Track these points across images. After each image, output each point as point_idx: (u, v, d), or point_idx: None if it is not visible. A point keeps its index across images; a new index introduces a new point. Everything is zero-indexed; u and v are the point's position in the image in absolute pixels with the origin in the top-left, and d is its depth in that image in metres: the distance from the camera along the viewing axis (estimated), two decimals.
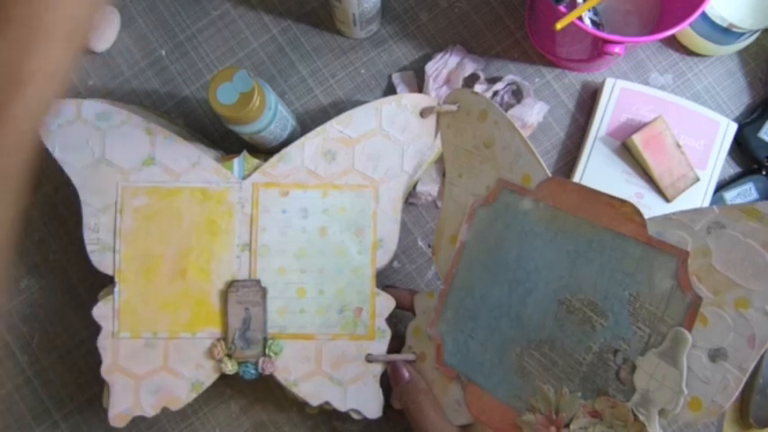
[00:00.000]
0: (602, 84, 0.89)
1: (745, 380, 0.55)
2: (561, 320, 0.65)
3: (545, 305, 0.66)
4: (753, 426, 0.86)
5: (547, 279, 0.66)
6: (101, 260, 0.79)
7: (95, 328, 0.79)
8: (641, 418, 0.59)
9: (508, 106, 0.90)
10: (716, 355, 0.56)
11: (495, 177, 0.72)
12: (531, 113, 0.88)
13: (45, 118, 0.59)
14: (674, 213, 0.59)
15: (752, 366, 0.55)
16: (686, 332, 0.57)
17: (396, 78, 0.92)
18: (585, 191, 0.65)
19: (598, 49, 0.76)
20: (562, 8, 0.77)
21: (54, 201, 0.90)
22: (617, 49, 0.74)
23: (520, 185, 0.70)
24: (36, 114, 0.57)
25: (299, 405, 0.87)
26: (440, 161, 0.88)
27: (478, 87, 0.89)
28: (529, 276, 0.68)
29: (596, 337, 0.62)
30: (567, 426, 0.63)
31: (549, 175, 0.68)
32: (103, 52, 0.92)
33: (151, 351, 0.78)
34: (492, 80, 0.90)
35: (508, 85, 0.90)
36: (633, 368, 0.60)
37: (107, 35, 0.91)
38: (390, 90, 0.93)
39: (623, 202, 0.62)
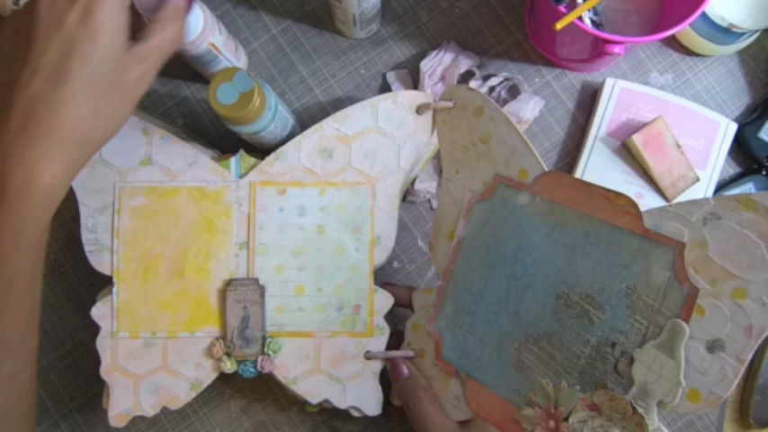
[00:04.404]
0: (602, 84, 0.89)
1: (743, 370, 0.55)
2: (559, 314, 0.64)
3: (543, 299, 0.66)
4: (753, 426, 0.86)
5: (544, 273, 0.66)
6: (99, 261, 0.79)
7: (95, 328, 0.79)
8: (640, 410, 0.58)
9: (504, 102, 0.90)
10: (713, 346, 0.56)
11: (492, 173, 0.72)
12: (527, 109, 0.88)
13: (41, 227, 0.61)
14: (670, 205, 0.59)
15: (749, 357, 0.54)
16: (683, 323, 0.57)
17: (390, 76, 0.92)
18: (581, 184, 0.64)
19: (598, 49, 0.76)
20: (562, 8, 0.77)
21: None
22: (617, 49, 0.74)
23: (516, 180, 0.69)
24: (30, 224, 0.59)
25: (298, 404, 0.87)
26: (436, 158, 0.88)
27: (474, 83, 0.89)
28: (527, 271, 0.67)
29: (594, 330, 0.62)
30: (566, 419, 0.62)
31: (546, 169, 0.68)
32: None
33: (150, 351, 0.78)
34: (487, 76, 0.91)
35: (504, 80, 0.90)
36: (631, 361, 0.59)
37: None
38: (385, 88, 0.93)
39: (619, 194, 0.61)
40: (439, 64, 0.90)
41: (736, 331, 0.55)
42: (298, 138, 0.80)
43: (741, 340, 0.55)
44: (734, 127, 0.88)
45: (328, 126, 0.80)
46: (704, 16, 0.85)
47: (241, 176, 0.80)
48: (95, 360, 0.78)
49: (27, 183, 0.57)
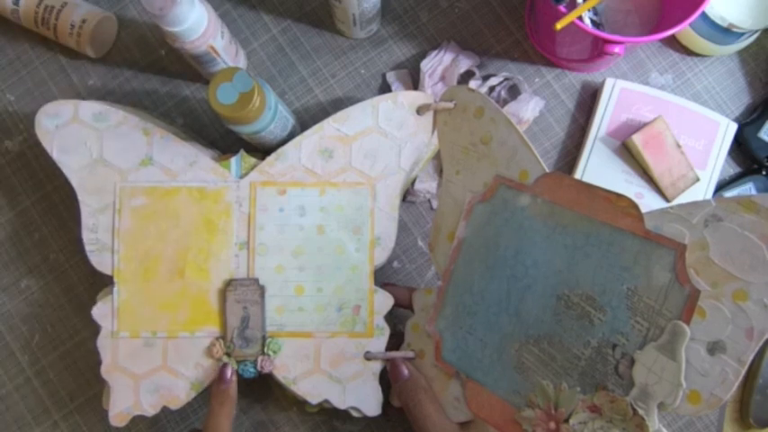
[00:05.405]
0: (602, 84, 0.89)
1: (744, 372, 0.55)
2: (560, 315, 0.65)
3: (543, 300, 0.66)
4: (753, 426, 0.86)
5: (545, 274, 0.66)
6: (100, 260, 0.79)
7: (95, 328, 0.79)
8: (640, 411, 0.58)
9: (504, 102, 0.90)
10: (714, 347, 0.56)
11: (493, 174, 0.72)
12: (527, 109, 0.88)
13: None
14: (671, 207, 0.59)
15: (750, 358, 0.55)
16: (684, 325, 0.57)
17: (390, 76, 0.92)
18: (582, 185, 0.64)
19: (598, 49, 0.76)
20: (562, 8, 0.77)
21: (54, 201, 0.90)
22: (617, 49, 0.74)
23: (517, 181, 0.69)
24: None
25: (298, 404, 0.87)
26: (437, 158, 0.88)
27: (473, 83, 0.89)
28: (527, 272, 0.67)
29: (595, 331, 0.62)
30: (567, 421, 0.62)
31: (546, 170, 0.68)
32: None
33: (150, 350, 0.78)
34: (487, 76, 0.91)
35: (504, 80, 0.90)
36: (632, 362, 0.59)
37: (104, 41, 0.91)
38: (385, 88, 0.93)
39: (620, 196, 0.61)
40: (439, 64, 0.90)
41: (737, 333, 0.55)
42: (298, 138, 0.80)
43: (742, 342, 0.55)
44: (734, 127, 0.88)
45: (329, 126, 0.80)
46: (704, 16, 0.85)
47: (241, 176, 0.80)
48: (95, 360, 0.79)
49: None
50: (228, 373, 0.77)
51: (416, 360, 0.77)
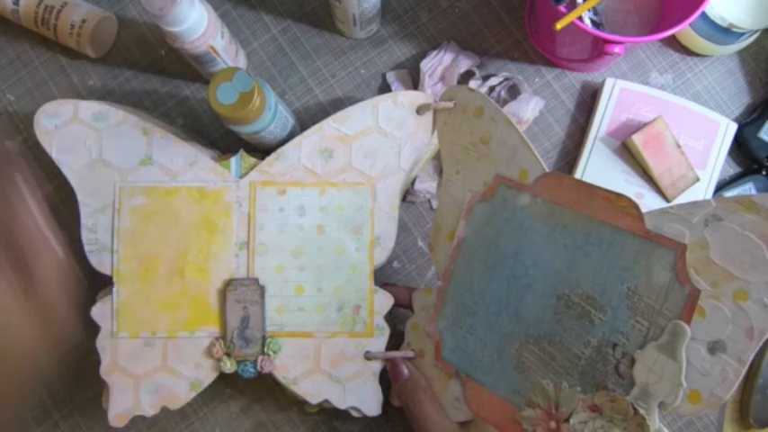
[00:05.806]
0: (602, 84, 0.89)
1: (744, 372, 0.55)
2: (560, 315, 0.64)
3: (543, 300, 0.66)
4: (753, 426, 0.86)
5: (545, 274, 0.66)
6: (99, 260, 0.79)
7: (95, 328, 0.79)
8: (641, 411, 0.58)
9: (504, 102, 0.90)
10: (715, 347, 0.56)
11: (493, 173, 0.72)
12: (527, 109, 0.88)
13: None
14: (671, 207, 0.59)
15: (751, 358, 0.54)
16: (685, 325, 0.57)
17: (390, 76, 0.92)
18: (582, 185, 0.64)
19: (598, 49, 0.76)
20: (562, 8, 0.77)
21: (54, 201, 0.90)
22: (617, 49, 0.74)
23: (517, 181, 0.69)
24: None
25: (298, 404, 0.87)
26: (437, 158, 0.88)
27: (473, 83, 0.89)
28: (527, 271, 0.67)
29: (595, 331, 0.62)
30: (567, 420, 0.62)
31: (546, 170, 0.68)
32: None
33: (150, 351, 0.78)
34: (487, 76, 0.91)
35: (504, 80, 0.90)
36: (632, 362, 0.59)
37: (104, 41, 0.91)
38: (385, 88, 0.93)
39: (620, 195, 0.61)
40: (439, 64, 0.90)
41: (737, 332, 0.55)
42: (298, 138, 0.80)
43: (742, 341, 0.55)
44: (734, 127, 0.88)
45: (329, 126, 0.80)
46: (704, 16, 0.85)
47: (241, 176, 0.80)
48: (95, 360, 0.78)
49: None
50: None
51: (416, 360, 0.77)
